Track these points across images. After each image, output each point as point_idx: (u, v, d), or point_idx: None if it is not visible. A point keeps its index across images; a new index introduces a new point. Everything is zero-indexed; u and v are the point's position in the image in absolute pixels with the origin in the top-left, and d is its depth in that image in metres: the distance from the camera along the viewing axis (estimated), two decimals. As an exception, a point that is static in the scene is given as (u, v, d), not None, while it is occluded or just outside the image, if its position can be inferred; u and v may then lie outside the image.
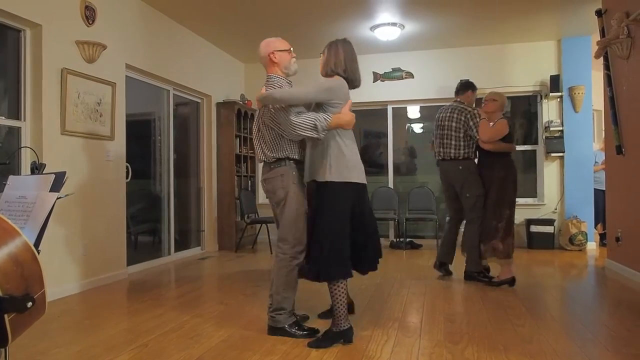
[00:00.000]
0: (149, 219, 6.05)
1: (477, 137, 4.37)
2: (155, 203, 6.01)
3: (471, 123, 4.41)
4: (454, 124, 4.48)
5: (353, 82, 2.98)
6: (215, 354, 2.65)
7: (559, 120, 6.80)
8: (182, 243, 6.46)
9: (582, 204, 6.64)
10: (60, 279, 4.06)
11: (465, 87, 4.68)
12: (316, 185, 2.89)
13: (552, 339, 2.82)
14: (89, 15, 4.44)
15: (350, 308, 3.26)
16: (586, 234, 6.46)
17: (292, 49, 3.13)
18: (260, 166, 3.21)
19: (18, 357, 2.61)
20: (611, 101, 4.85)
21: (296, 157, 2.93)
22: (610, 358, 2.54)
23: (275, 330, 2.95)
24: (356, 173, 2.86)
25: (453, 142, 4.47)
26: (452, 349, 2.69)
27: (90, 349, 2.76)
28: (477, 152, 4.52)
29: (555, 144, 6.73)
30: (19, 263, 1.46)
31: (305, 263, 2.92)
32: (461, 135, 4.44)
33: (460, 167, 4.46)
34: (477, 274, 4.45)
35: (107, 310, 3.74)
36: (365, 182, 2.92)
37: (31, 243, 1.51)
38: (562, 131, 6.77)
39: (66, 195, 1.84)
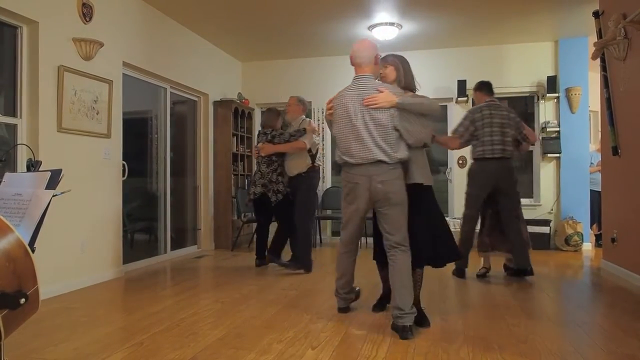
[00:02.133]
0: (146, 217, 6.04)
1: (528, 139, 4.55)
2: (152, 201, 6.00)
3: (520, 125, 4.53)
4: (511, 123, 4.47)
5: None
6: (210, 353, 2.65)
7: (555, 121, 6.82)
8: (179, 241, 6.45)
9: (578, 205, 6.66)
10: (56, 276, 4.04)
11: (487, 87, 4.71)
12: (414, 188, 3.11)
13: (547, 339, 2.83)
14: (86, 13, 4.42)
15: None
16: (582, 235, 6.48)
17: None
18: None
19: (13, 354, 2.61)
20: (607, 102, 4.87)
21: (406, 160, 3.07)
22: (605, 358, 2.55)
23: (411, 329, 2.88)
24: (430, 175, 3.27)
25: (510, 140, 4.46)
26: (448, 348, 2.69)
27: (85, 346, 2.76)
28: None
29: (552, 144, 6.75)
30: (11, 259, 1.45)
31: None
32: (515, 135, 4.50)
33: (513, 166, 4.58)
34: (526, 271, 4.55)
35: (103, 309, 3.73)
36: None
37: (24, 239, 1.51)
38: (558, 132, 6.79)
39: (62, 193, 1.84)
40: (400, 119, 2.95)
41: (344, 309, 3.43)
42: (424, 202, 3.12)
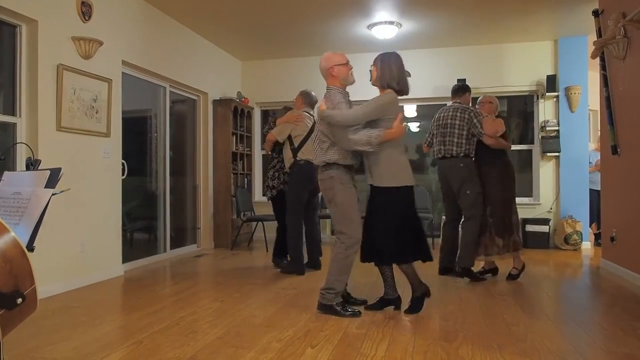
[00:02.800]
0: (145, 216, 6.04)
1: (482, 132, 4.42)
2: (151, 200, 6.00)
3: (475, 120, 4.46)
4: (457, 122, 4.50)
5: (405, 92, 3.41)
6: (210, 351, 2.65)
7: (555, 120, 6.82)
8: (178, 240, 6.45)
9: (577, 204, 6.66)
10: (55, 275, 4.04)
11: (464, 89, 4.76)
12: (371, 188, 3.39)
13: (546, 338, 2.84)
14: (86, 12, 4.42)
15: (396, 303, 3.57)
16: (581, 234, 6.49)
17: (349, 62, 3.51)
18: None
19: (13, 353, 2.61)
20: (607, 101, 4.87)
21: (343, 162, 3.36)
22: (604, 357, 2.56)
23: (324, 307, 3.37)
24: (403, 176, 3.31)
25: (455, 140, 4.49)
26: (447, 347, 2.70)
27: (85, 346, 2.76)
28: (476, 150, 4.54)
29: (551, 143, 6.75)
30: (7, 259, 1.45)
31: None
32: (464, 133, 4.46)
33: (462, 165, 4.49)
34: (467, 271, 4.50)
35: (102, 308, 3.73)
36: (410, 183, 3.35)
37: (20, 239, 1.50)
38: (558, 131, 6.79)
39: (61, 192, 1.84)
40: (328, 128, 3.34)
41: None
42: (376, 203, 3.36)
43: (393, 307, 3.48)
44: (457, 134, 4.49)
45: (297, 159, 4.85)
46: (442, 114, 4.66)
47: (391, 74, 3.32)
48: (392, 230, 3.28)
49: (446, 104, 4.83)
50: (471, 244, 4.45)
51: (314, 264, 5.01)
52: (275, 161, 5.11)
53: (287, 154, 4.92)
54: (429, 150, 4.92)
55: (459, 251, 4.56)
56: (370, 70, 3.47)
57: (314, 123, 4.84)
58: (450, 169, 4.55)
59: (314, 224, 5.17)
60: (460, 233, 4.63)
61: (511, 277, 4.50)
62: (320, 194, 4.98)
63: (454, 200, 4.60)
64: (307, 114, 5.00)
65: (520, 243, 4.57)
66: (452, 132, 4.51)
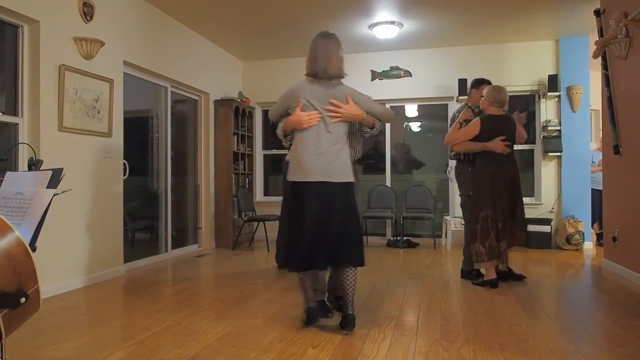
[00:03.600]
0: (146, 216, 6.04)
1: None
2: (153, 200, 6.01)
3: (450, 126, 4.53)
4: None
5: (319, 74, 3.03)
6: (211, 352, 2.65)
7: (556, 120, 6.82)
8: (179, 240, 6.45)
9: (579, 204, 6.66)
10: (57, 275, 4.05)
11: (471, 86, 4.70)
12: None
13: (548, 338, 2.83)
14: (87, 12, 4.42)
15: None
16: (583, 234, 6.47)
17: None
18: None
19: (14, 353, 2.61)
20: (609, 101, 4.86)
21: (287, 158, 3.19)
22: (605, 357, 2.55)
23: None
24: (300, 173, 2.98)
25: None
26: (449, 347, 2.70)
27: (86, 345, 2.76)
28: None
29: (553, 143, 6.74)
30: (11, 259, 1.45)
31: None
32: None
33: (456, 168, 4.59)
34: (468, 273, 4.51)
35: (104, 307, 3.74)
36: (319, 179, 2.93)
37: (24, 238, 1.51)
38: (559, 131, 6.78)
39: (63, 192, 1.84)
40: None
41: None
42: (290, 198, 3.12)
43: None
44: None
45: (287, 159, 4.96)
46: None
47: (307, 60, 3.12)
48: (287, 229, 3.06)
49: (447, 104, 4.83)
50: (467, 247, 4.49)
51: None
52: None
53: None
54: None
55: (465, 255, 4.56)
56: None
57: None
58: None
59: None
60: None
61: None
62: None
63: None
64: None
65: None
66: None
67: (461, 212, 4.75)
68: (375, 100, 3.26)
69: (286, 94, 3.10)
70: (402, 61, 7.24)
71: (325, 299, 3.37)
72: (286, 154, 3.23)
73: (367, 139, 3.46)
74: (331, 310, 3.29)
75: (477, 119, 4.25)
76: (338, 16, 5.87)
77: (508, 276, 4.39)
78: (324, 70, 3.02)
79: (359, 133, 3.38)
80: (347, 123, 3.09)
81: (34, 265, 1.51)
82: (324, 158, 2.95)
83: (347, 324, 2.93)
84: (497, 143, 4.14)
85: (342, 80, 3.13)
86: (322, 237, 2.90)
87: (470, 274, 4.49)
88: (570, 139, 6.70)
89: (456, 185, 4.77)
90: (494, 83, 4.57)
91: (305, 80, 3.09)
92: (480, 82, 4.62)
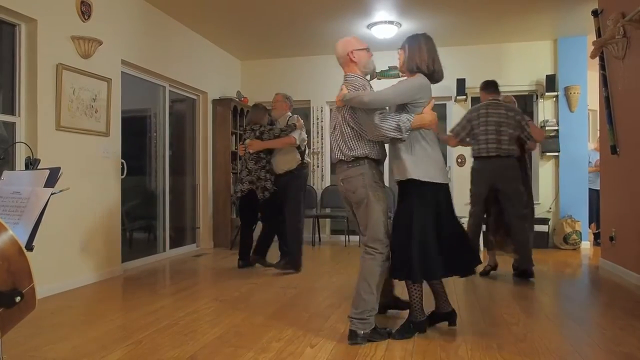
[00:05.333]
0: (144, 216, 6.04)
1: (532, 137, 4.47)
2: (151, 200, 6.00)
3: (523, 123, 4.45)
4: (512, 122, 4.42)
5: (437, 77, 2.97)
6: (209, 351, 2.65)
7: (554, 120, 6.83)
8: (177, 240, 6.44)
9: (576, 204, 6.67)
10: (54, 275, 4.04)
11: (497, 85, 4.69)
12: (399, 184, 2.91)
13: (546, 338, 2.84)
14: (85, 11, 4.41)
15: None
16: (580, 234, 6.49)
17: (368, 47, 3.10)
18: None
19: (12, 353, 2.60)
20: (606, 101, 4.87)
21: (375, 156, 2.89)
22: (603, 356, 2.56)
23: (358, 336, 2.75)
24: (440, 173, 2.85)
25: (508, 139, 4.40)
26: (446, 347, 2.70)
27: (84, 345, 2.76)
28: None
29: (551, 143, 6.75)
30: (4, 258, 1.45)
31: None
32: (516, 134, 4.43)
33: (515, 165, 4.48)
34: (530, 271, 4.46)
35: (102, 307, 3.73)
36: (447, 182, 2.91)
37: (18, 238, 1.50)
38: (557, 131, 6.79)
39: (61, 191, 1.83)
40: (351, 115, 2.88)
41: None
42: (402, 201, 2.92)
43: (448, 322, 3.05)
44: (508, 133, 4.41)
45: (305, 161, 5.03)
46: (487, 111, 4.47)
47: (421, 56, 2.94)
48: (416, 236, 2.76)
49: (445, 104, 4.83)
50: (527, 243, 4.48)
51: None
52: (264, 161, 5.05)
53: (286, 157, 4.94)
54: (457, 145, 4.81)
55: (521, 253, 4.45)
56: (397, 57, 3.15)
57: None
58: (499, 168, 4.43)
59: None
60: (514, 234, 4.47)
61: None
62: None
63: (487, 201, 4.57)
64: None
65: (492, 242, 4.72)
66: (503, 131, 4.41)
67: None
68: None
69: (418, 85, 2.86)
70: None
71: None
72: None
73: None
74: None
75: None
76: (336, 16, 5.87)
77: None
78: (441, 75, 3.00)
79: None
80: None
81: (29, 264, 1.51)
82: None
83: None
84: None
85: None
86: (445, 244, 2.81)
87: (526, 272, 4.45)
88: (567, 139, 6.72)
89: (457, 184, 4.83)
90: None
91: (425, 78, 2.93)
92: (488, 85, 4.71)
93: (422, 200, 2.80)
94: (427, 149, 2.83)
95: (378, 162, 2.94)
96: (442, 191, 2.86)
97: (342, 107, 2.92)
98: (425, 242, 2.75)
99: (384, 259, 2.82)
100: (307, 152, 5.09)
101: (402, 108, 2.85)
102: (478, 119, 4.48)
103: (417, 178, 2.77)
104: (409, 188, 2.83)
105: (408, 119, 2.77)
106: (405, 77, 3.01)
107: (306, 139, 5.09)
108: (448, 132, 4.86)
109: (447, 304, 3.04)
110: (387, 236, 2.84)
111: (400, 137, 2.76)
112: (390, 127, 2.75)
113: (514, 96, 7.05)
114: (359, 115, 2.85)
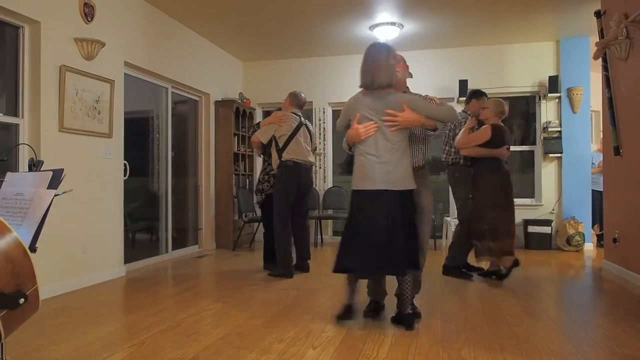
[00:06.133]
0: (147, 217, 6.05)
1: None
2: (153, 201, 6.01)
3: (457, 131, 4.63)
4: (449, 133, 4.72)
5: (371, 85, 3.08)
6: (212, 352, 2.65)
7: (557, 121, 6.81)
8: (180, 241, 6.45)
9: (579, 205, 6.65)
10: (57, 276, 4.05)
11: (469, 97, 4.92)
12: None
13: (548, 339, 2.83)
14: (88, 13, 4.43)
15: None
16: (583, 235, 6.47)
17: None
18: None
19: (15, 354, 2.61)
20: (609, 102, 4.86)
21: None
22: (606, 358, 2.55)
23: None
24: (363, 181, 3.08)
25: (446, 148, 4.79)
26: (449, 348, 2.69)
27: (87, 346, 2.76)
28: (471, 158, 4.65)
29: (553, 144, 6.74)
30: (9, 259, 1.45)
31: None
32: (452, 142, 4.70)
33: (454, 171, 4.78)
34: (452, 269, 4.73)
35: (104, 308, 3.74)
36: (383, 187, 3.02)
37: (22, 239, 1.50)
38: (560, 132, 6.78)
39: (64, 193, 1.84)
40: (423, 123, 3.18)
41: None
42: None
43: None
44: (447, 143, 4.79)
45: (283, 159, 4.73)
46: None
47: (360, 74, 3.15)
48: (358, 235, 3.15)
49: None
50: (457, 245, 4.76)
51: (303, 267, 4.94)
52: (266, 164, 5.07)
53: (274, 155, 4.87)
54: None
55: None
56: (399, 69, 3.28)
57: (300, 124, 4.85)
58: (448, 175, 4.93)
59: (304, 227, 5.03)
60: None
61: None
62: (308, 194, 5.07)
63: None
64: (293, 115, 4.88)
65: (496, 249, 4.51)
66: (445, 141, 4.81)
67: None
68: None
69: (344, 108, 3.23)
70: (402, 62, 7.22)
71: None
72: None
73: (433, 140, 3.46)
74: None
75: (488, 126, 4.45)
76: (339, 17, 5.88)
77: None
78: (372, 82, 3.06)
79: (422, 136, 3.31)
80: (407, 130, 3.12)
81: (33, 266, 1.51)
82: (384, 167, 3.03)
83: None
84: (504, 150, 4.46)
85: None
86: (381, 244, 2.99)
87: (453, 270, 4.69)
88: (570, 140, 6.70)
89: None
90: (495, 84, 4.89)
91: (360, 93, 3.16)
92: (481, 94, 4.84)
93: (351, 205, 3.15)
94: (359, 160, 3.12)
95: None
96: (367, 196, 3.06)
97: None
98: (362, 240, 3.04)
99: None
100: (287, 148, 4.73)
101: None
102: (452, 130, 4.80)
103: (353, 188, 3.15)
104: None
105: (344, 140, 3.23)
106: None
107: (288, 134, 4.74)
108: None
109: (405, 307, 3.11)
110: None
111: (348, 152, 3.26)
112: (345, 147, 3.27)
113: (517, 97, 7.12)
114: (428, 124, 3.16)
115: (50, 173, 1.79)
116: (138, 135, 5.72)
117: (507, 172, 4.51)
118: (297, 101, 5.02)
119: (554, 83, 6.71)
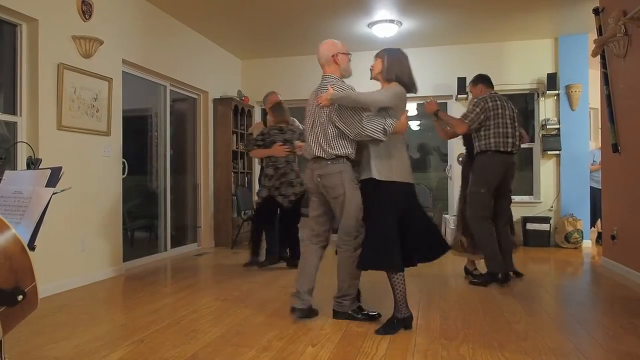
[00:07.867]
0: (145, 215, 6.04)
1: (522, 138, 4.46)
2: (152, 199, 6.00)
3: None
4: (515, 115, 4.32)
5: (413, 90, 3.19)
6: (211, 350, 2.65)
7: (555, 119, 6.82)
8: (179, 239, 6.45)
9: (578, 202, 6.66)
10: (56, 274, 4.05)
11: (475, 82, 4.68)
12: (367, 183, 3.08)
13: (547, 336, 2.84)
14: (86, 10, 4.42)
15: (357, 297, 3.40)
16: (582, 232, 6.48)
17: (350, 55, 3.42)
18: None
19: (14, 352, 2.61)
20: (608, 99, 4.87)
21: (352, 156, 3.12)
22: (604, 355, 2.56)
23: (339, 314, 3.22)
24: (401, 173, 3.07)
25: (517, 135, 4.32)
26: (448, 345, 2.70)
27: (86, 344, 2.76)
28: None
29: (552, 142, 6.74)
30: (7, 256, 1.45)
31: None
32: (519, 130, 4.39)
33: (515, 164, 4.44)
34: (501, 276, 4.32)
35: (103, 306, 3.74)
36: (411, 181, 3.12)
37: (20, 236, 1.50)
38: (558, 129, 6.78)
39: (62, 191, 1.84)
40: (337, 114, 3.05)
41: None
42: (375, 198, 3.07)
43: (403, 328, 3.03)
44: (517, 129, 4.33)
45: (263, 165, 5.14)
46: (502, 103, 4.29)
47: (401, 68, 3.13)
48: (382, 231, 2.97)
49: (446, 102, 4.81)
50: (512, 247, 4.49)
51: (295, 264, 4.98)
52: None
53: None
54: (465, 132, 4.40)
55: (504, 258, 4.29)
56: (370, 67, 3.28)
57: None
58: (511, 165, 4.34)
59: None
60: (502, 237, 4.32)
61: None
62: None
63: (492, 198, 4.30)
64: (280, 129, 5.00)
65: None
66: (516, 127, 4.30)
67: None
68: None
69: (401, 93, 3.09)
70: (401, 60, 7.21)
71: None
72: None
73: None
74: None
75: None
76: (337, 15, 5.87)
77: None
78: (416, 87, 3.22)
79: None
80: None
81: (31, 262, 1.51)
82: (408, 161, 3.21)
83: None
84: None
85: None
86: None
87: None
88: (569, 138, 6.71)
89: (457, 183, 4.74)
90: (493, 82, 4.63)
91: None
92: (478, 80, 4.68)
93: (387, 197, 3.01)
94: (398, 153, 3.10)
95: (353, 162, 3.16)
96: (407, 189, 3.09)
97: (327, 106, 3.05)
98: (392, 235, 2.95)
99: (352, 250, 3.12)
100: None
101: (382, 112, 3.00)
102: (495, 109, 4.23)
103: (384, 179, 3.01)
104: (375, 187, 3.03)
105: (392, 124, 2.98)
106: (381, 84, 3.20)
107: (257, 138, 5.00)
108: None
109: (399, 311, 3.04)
110: (357, 230, 3.09)
111: (382, 139, 2.97)
112: (376, 128, 2.95)
113: (515, 95, 7.12)
114: (344, 114, 3.03)
115: (49, 171, 1.79)
116: (136, 133, 5.71)
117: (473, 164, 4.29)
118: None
119: (552, 80, 6.71)
